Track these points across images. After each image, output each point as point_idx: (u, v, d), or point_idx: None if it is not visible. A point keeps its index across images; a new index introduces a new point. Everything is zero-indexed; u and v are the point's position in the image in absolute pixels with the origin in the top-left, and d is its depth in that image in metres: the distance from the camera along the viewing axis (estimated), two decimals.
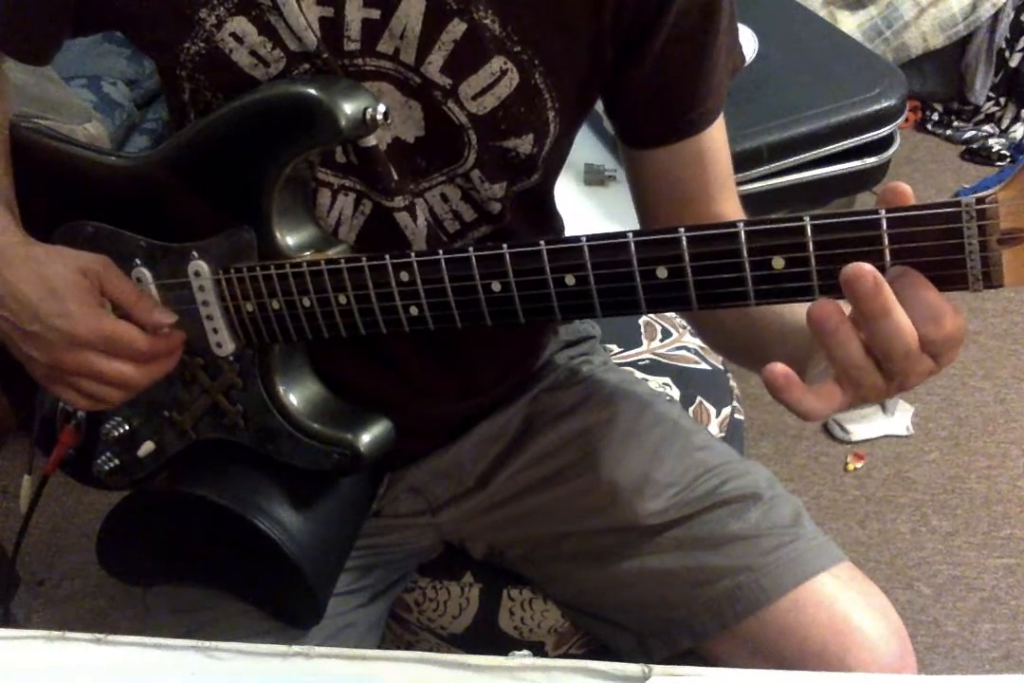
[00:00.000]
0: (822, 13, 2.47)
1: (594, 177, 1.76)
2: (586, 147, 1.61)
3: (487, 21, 0.72)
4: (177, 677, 0.64)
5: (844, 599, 0.84)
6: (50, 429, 0.89)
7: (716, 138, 0.83)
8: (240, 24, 0.72)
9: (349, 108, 0.69)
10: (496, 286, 0.65)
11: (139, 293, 0.78)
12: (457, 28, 0.71)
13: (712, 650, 0.88)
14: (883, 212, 0.54)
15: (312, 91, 0.70)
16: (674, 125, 0.81)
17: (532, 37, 0.73)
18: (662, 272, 0.60)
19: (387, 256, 0.68)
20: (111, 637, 0.66)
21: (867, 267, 0.54)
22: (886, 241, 0.54)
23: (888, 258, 0.55)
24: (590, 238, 0.62)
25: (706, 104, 0.81)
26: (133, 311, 0.77)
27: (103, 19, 0.78)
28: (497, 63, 0.73)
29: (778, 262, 0.57)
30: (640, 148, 0.84)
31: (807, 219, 0.56)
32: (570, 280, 0.63)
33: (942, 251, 0.54)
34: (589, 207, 1.66)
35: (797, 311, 0.67)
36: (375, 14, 0.71)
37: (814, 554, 0.86)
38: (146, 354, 0.76)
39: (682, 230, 0.59)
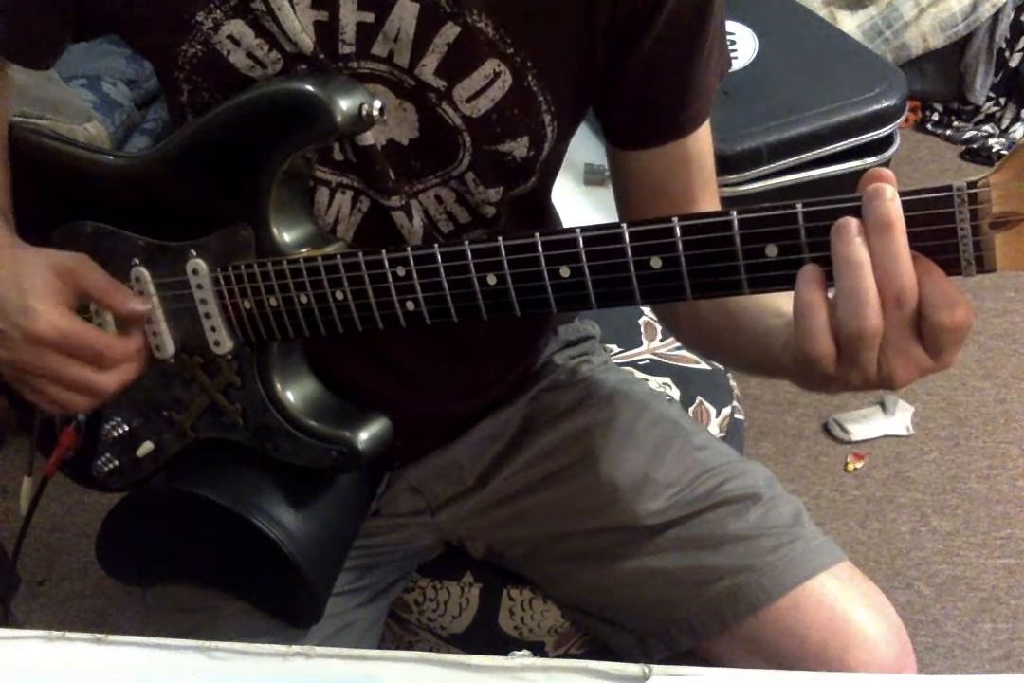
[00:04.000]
0: (822, 13, 2.46)
1: (594, 177, 1.76)
2: (586, 147, 1.60)
3: (480, 24, 0.72)
4: (177, 677, 0.64)
5: (844, 599, 0.84)
6: (50, 430, 0.89)
7: (701, 140, 0.83)
8: (237, 27, 0.72)
9: (345, 104, 0.69)
10: (492, 279, 0.65)
11: (113, 284, 0.78)
12: (450, 31, 0.72)
13: (712, 650, 0.88)
14: None
15: (308, 87, 0.70)
16: (660, 128, 0.81)
17: (525, 40, 0.73)
18: (656, 262, 0.60)
19: (383, 251, 0.69)
20: (111, 637, 0.66)
21: (888, 172, 0.54)
22: None
23: None
24: (584, 229, 0.62)
25: (694, 106, 0.80)
26: (108, 301, 0.77)
27: (102, 23, 0.78)
28: (490, 66, 0.73)
29: (771, 249, 0.57)
30: (625, 148, 0.84)
31: (799, 206, 0.56)
32: (565, 272, 0.63)
33: (935, 236, 0.54)
34: (588, 207, 1.66)
35: (775, 297, 0.67)
36: (369, 18, 0.72)
37: (814, 554, 0.86)
38: (105, 357, 0.76)
39: (675, 219, 0.59)
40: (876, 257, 0.54)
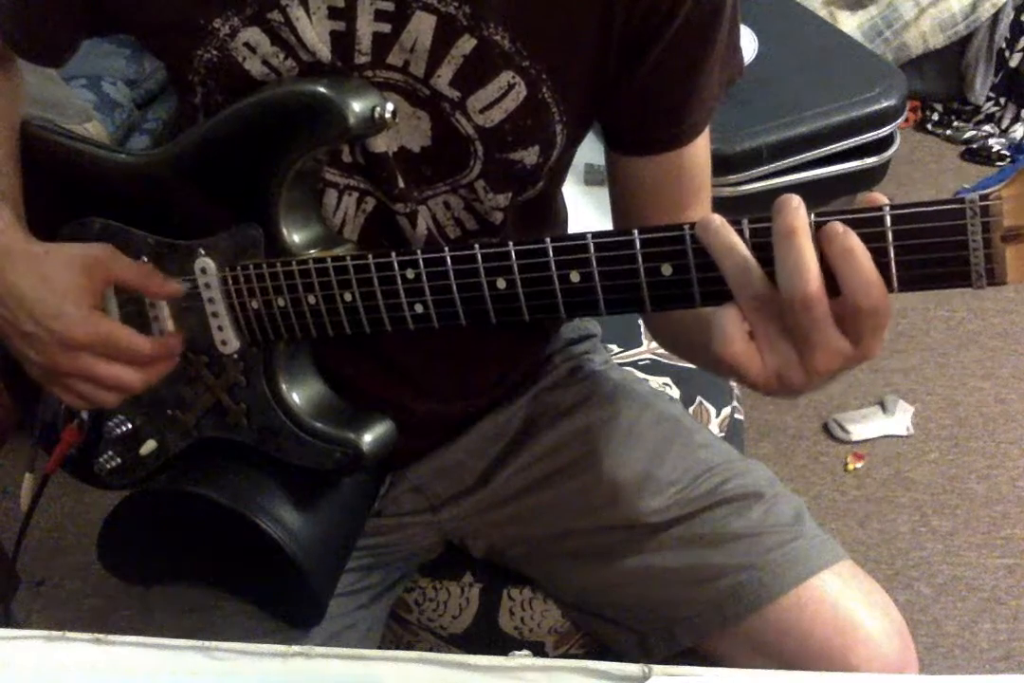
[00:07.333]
0: (822, 13, 2.47)
1: (594, 177, 1.76)
2: (586, 147, 1.61)
3: (497, 37, 0.72)
4: (177, 677, 0.64)
5: (846, 597, 0.84)
6: (53, 427, 0.89)
7: (698, 152, 0.83)
8: (253, 35, 0.72)
9: (357, 106, 0.70)
10: (501, 283, 0.65)
11: (147, 270, 0.78)
12: (467, 44, 0.72)
13: (713, 648, 0.88)
14: (887, 209, 0.54)
15: (321, 89, 0.70)
16: (658, 137, 0.81)
17: (541, 52, 0.73)
18: (667, 269, 0.60)
19: (393, 254, 0.69)
20: (111, 637, 0.66)
21: (795, 197, 0.55)
22: (890, 238, 0.55)
23: (892, 254, 0.55)
24: (595, 235, 0.62)
25: (693, 117, 0.80)
26: (146, 288, 0.78)
27: (117, 24, 0.78)
28: (505, 77, 0.73)
29: None
30: (622, 154, 0.84)
31: (812, 216, 0.56)
32: (575, 277, 0.63)
33: (946, 248, 0.54)
34: (589, 207, 1.66)
35: None
36: (386, 28, 0.72)
37: (816, 552, 0.86)
38: (144, 357, 0.76)
39: (686, 227, 0.59)
40: (780, 262, 0.56)
